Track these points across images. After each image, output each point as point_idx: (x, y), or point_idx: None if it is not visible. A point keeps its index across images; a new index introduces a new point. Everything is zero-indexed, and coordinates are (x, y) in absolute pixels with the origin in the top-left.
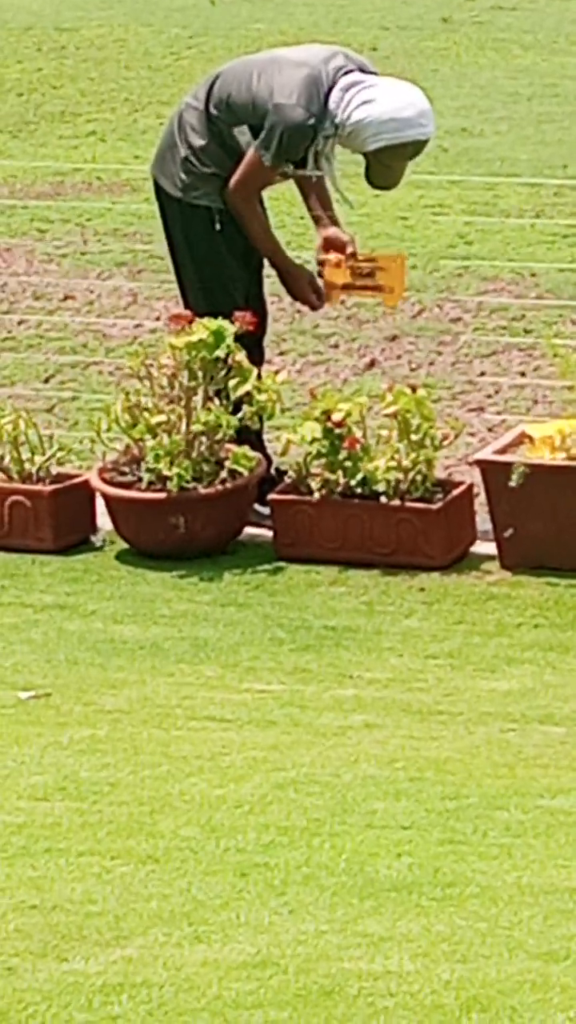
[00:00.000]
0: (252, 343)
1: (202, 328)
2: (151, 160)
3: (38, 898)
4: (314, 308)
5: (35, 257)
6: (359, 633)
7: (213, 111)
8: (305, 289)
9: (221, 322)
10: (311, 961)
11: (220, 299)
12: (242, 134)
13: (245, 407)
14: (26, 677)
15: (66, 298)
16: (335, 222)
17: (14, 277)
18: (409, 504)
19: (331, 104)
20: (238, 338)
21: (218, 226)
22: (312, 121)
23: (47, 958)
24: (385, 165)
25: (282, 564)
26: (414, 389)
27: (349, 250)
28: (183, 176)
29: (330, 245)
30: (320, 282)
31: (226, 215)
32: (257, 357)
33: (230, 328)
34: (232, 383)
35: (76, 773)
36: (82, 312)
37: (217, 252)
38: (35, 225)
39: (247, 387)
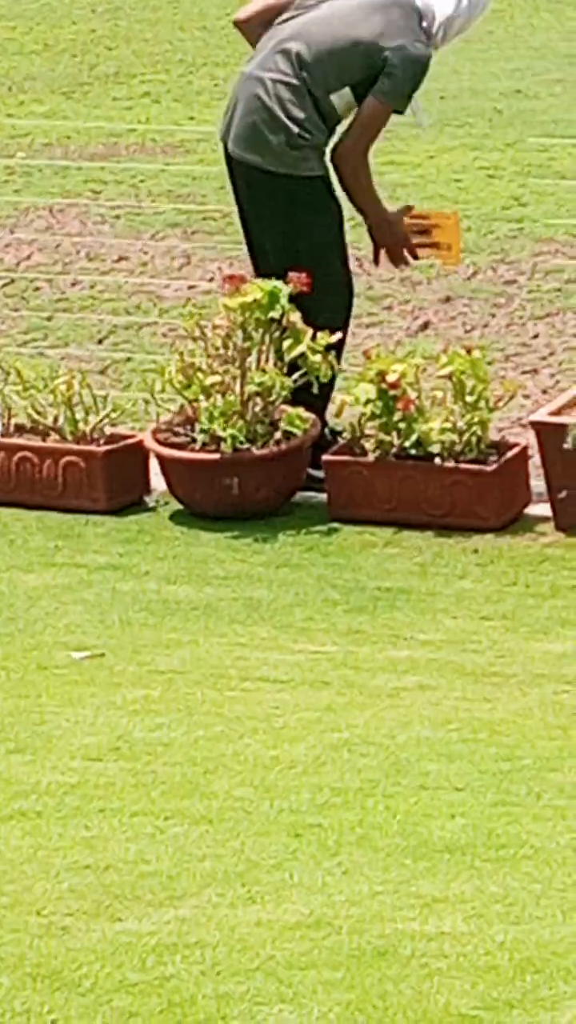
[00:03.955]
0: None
1: (256, 288)
2: (231, 139)
3: (91, 858)
4: (407, 263)
5: (89, 218)
6: (413, 594)
7: (310, 81)
8: (403, 239)
9: (275, 283)
10: (364, 922)
11: (336, 268)
12: (340, 97)
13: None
14: (79, 638)
15: (120, 259)
16: None
17: (68, 238)
18: (463, 466)
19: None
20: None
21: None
22: (431, 50)
23: (100, 918)
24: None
25: (336, 525)
26: (469, 351)
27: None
28: (293, 152)
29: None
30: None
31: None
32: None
33: (284, 289)
34: (286, 344)
35: (130, 733)
36: (136, 273)
37: (338, 221)
38: (89, 186)
39: (301, 348)
